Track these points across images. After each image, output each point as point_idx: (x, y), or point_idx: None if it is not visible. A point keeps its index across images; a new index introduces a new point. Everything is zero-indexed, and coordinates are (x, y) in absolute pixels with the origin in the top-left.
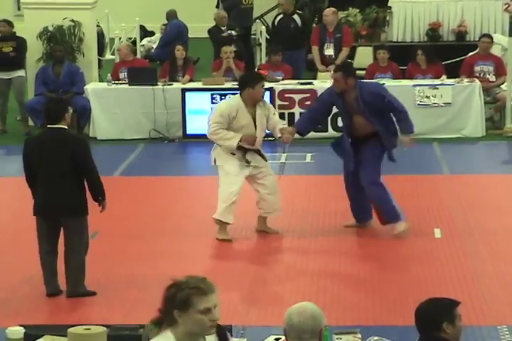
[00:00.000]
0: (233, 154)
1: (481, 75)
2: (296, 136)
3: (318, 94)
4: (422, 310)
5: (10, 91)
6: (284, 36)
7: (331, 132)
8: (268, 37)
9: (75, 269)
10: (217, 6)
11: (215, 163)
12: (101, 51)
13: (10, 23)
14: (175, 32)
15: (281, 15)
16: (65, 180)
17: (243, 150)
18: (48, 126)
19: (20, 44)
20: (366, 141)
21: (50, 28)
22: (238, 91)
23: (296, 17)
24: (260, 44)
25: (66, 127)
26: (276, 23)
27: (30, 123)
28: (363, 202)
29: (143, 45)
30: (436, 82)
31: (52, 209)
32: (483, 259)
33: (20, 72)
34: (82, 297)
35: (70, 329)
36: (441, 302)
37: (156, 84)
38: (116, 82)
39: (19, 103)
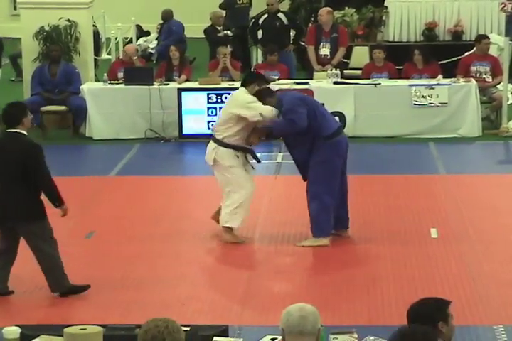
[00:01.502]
0: (237, 157)
1: (478, 75)
2: None
3: (314, 94)
4: (415, 310)
5: None
6: (270, 36)
7: None
8: (250, 36)
9: (49, 269)
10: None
11: (214, 162)
12: (97, 51)
13: None
14: (182, 30)
15: (265, 15)
16: (19, 185)
17: (244, 151)
18: (7, 130)
19: None
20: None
21: (46, 28)
22: (234, 91)
23: (281, 15)
24: (256, 43)
25: (24, 132)
26: (260, 22)
27: None
28: (337, 211)
29: (139, 45)
30: (433, 81)
31: (7, 215)
32: (478, 259)
33: None
34: (75, 292)
35: (66, 329)
36: (434, 302)
37: (152, 84)
38: (112, 81)
39: None
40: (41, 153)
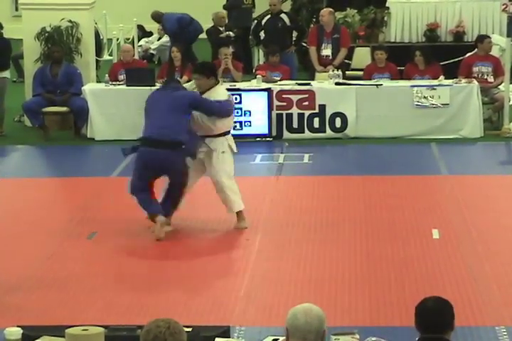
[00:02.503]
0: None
1: (479, 76)
2: (295, 136)
3: (316, 95)
4: (428, 308)
5: None
6: (272, 36)
7: (329, 133)
8: (252, 37)
9: None
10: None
11: (223, 152)
12: (98, 52)
13: None
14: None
15: (268, 16)
16: None
17: None
18: None
19: (3, 45)
20: None
21: (48, 29)
22: (236, 92)
23: (283, 16)
24: (258, 44)
25: None
26: (263, 23)
27: (27, 123)
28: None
29: (140, 46)
30: (434, 82)
31: None
32: (480, 260)
33: (4, 74)
34: None
35: (68, 330)
36: (445, 301)
37: (154, 85)
38: (113, 82)
39: None
40: None
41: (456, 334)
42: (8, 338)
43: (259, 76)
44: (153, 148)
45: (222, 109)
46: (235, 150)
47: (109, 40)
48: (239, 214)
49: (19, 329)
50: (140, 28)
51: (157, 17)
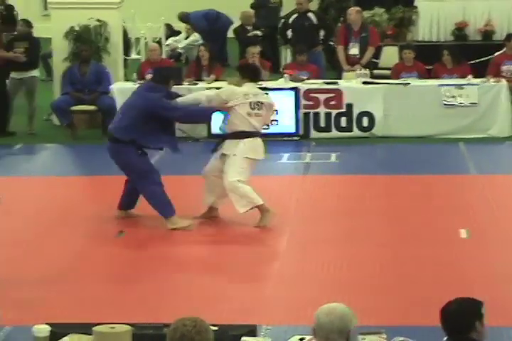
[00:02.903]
0: None
1: (508, 75)
2: (323, 135)
3: (343, 94)
4: (451, 310)
5: (20, 91)
6: (300, 35)
7: (356, 132)
8: (280, 36)
9: None
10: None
11: (234, 154)
12: (126, 51)
13: (28, 23)
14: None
15: (295, 15)
16: None
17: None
18: None
19: (33, 44)
20: None
21: (77, 28)
22: (263, 91)
23: (310, 15)
24: (285, 43)
25: None
26: (290, 22)
27: (56, 122)
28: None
29: (168, 45)
30: (463, 81)
31: None
32: (509, 260)
33: (33, 73)
34: None
35: (96, 328)
36: (469, 301)
37: (181, 84)
38: (141, 81)
39: (28, 102)
40: None
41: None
42: (36, 335)
43: (287, 75)
44: (109, 142)
45: (184, 115)
46: (256, 157)
47: (137, 39)
48: (260, 212)
49: (47, 326)
50: (168, 27)
51: (184, 18)
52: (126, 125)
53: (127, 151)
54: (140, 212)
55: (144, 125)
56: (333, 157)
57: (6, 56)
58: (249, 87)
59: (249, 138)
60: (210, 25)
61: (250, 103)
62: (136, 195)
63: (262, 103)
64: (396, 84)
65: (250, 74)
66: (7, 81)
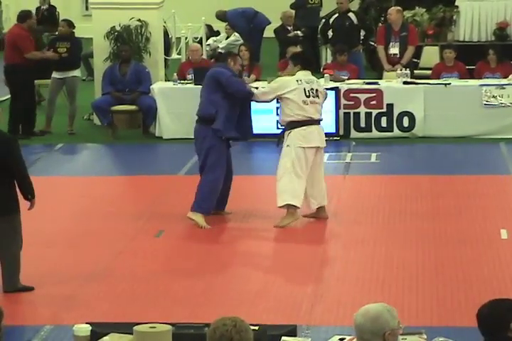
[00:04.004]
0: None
1: None
2: (363, 135)
3: (384, 94)
4: (484, 312)
5: (61, 91)
6: (340, 35)
7: (396, 132)
8: (320, 36)
9: (8, 264)
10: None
11: (288, 145)
12: (167, 51)
13: (70, 24)
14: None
15: (336, 15)
16: None
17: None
18: None
19: (75, 45)
20: None
21: (117, 28)
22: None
23: (351, 15)
24: (326, 43)
25: None
26: (331, 22)
27: (96, 122)
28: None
29: (208, 45)
30: (503, 81)
31: None
32: None
33: (75, 72)
34: (21, 292)
35: (136, 327)
36: (503, 303)
37: None
38: (182, 81)
39: (69, 102)
40: (18, 147)
41: None
42: (77, 335)
43: (327, 75)
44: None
45: (236, 85)
46: (309, 145)
47: (178, 39)
48: (287, 213)
49: (88, 326)
50: (208, 27)
51: (221, 16)
52: (203, 101)
53: (213, 138)
54: (182, 210)
55: (221, 99)
56: (374, 157)
57: (40, 56)
58: (300, 75)
59: (301, 127)
60: (247, 23)
61: (305, 90)
62: (226, 196)
63: (317, 90)
64: (437, 84)
65: (302, 62)
66: (49, 80)
